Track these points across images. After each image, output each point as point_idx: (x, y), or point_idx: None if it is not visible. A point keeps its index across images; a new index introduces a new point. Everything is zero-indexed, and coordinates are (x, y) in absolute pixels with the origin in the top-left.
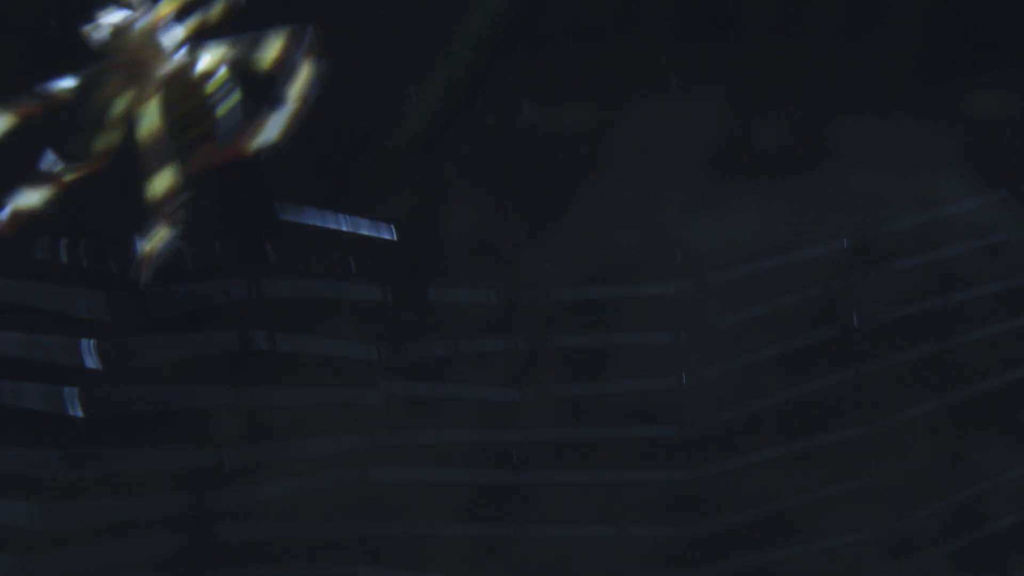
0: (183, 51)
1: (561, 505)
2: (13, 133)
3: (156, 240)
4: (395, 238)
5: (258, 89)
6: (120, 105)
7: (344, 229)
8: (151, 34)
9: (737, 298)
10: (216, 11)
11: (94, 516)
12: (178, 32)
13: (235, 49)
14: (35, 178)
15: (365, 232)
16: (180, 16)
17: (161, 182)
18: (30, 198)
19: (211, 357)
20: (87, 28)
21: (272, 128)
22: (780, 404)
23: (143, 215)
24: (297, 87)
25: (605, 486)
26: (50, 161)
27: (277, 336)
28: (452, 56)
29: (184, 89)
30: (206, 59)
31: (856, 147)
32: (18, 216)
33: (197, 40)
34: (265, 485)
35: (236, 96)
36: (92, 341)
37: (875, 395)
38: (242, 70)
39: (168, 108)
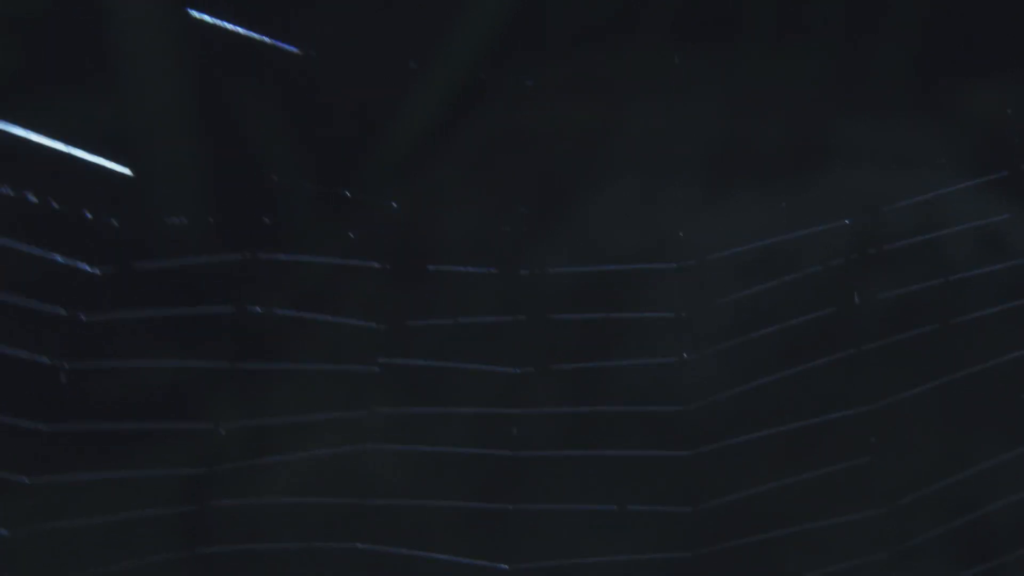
0: None
1: (561, 482)
2: None
3: None
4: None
5: None
6: None
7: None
8: None
9: (738, 278)
10: None
11: (84, 489)
12: None
13: None
14: None
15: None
16: None
17: None
18: None
19: (207, 329)
20: None
21: None
22: (780, 383)
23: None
24: None
25: (605, 463)
26: None
27: (275, 309)
28: (452, 56)
29: None
30: None
31: (856, 145)
32: None
33: None
34: (262, 459)
35: None
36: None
37: (875, 376)
38: None
39: None
